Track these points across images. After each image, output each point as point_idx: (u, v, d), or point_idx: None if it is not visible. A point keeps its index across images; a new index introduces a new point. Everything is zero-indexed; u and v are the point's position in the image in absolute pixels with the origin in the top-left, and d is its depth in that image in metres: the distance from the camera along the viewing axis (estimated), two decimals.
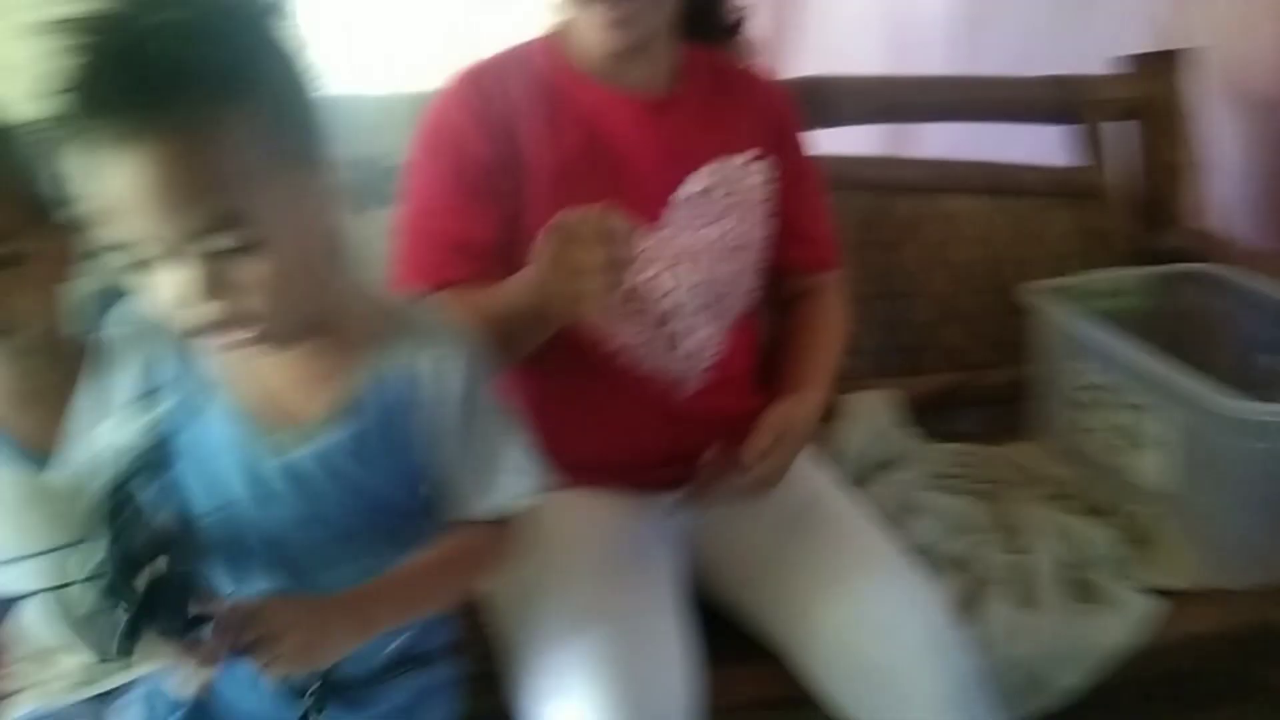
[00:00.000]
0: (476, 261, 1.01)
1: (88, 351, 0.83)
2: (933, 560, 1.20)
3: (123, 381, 0.80)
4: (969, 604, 1.15)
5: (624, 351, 1.06)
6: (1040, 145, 1.74)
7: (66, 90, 0.64)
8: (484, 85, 1.04)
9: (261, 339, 0.72)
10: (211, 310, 0.69)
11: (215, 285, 0.68)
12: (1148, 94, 1.73)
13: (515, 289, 0.93)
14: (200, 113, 0.64)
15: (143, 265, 0.68)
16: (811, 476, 1.15)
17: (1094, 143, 1.71)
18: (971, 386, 1.62)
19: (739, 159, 1.09)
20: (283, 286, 0.70)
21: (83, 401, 0.81)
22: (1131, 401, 1.30)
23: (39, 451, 0.90)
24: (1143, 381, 1.27)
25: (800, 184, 1.15)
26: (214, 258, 0.67)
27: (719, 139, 1.08)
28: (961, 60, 1.82)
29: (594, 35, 1.00)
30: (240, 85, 0.66)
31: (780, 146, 1.13)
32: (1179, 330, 1.51)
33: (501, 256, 1.00)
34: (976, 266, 1.65)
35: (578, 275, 0.83)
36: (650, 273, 1.04)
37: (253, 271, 0.68)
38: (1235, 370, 1.44)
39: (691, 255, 1.06)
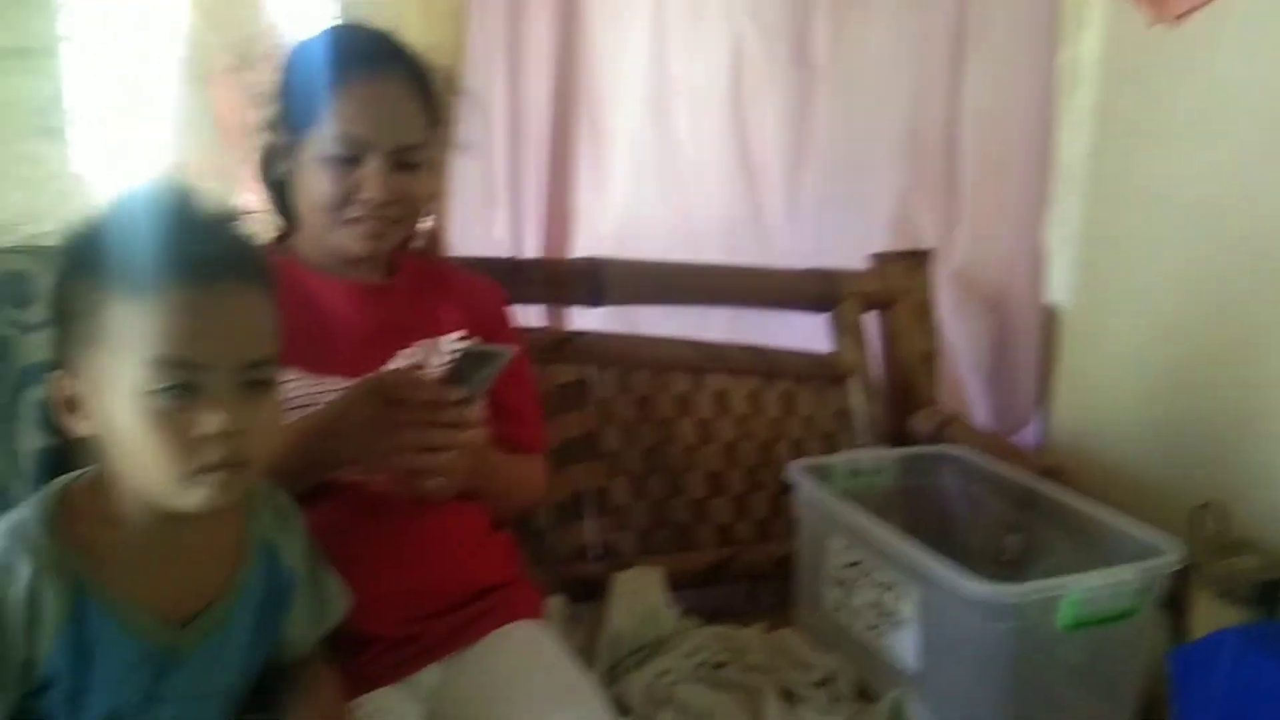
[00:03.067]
0: None
1: None
2: None
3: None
4: None
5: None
6: (802, 331, 1.84)
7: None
8: None
9: (243, 484, 0.83)
10: (232, 445, 0.80)
11: (240, 421, 0.80)
12: (896, 287, 1.88)
13: (305, 438, 1.02)
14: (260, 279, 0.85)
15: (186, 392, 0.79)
16: (557, 665, 1.15)
17: (850, 330, 1.83)
18: (739, 562, 1.64)
19: (446, 338, 1.21)
20: (277, 433, 0.87)
21: None
22: (883, 580, 1.34)
23: None
24: (890, 560, 1.32)
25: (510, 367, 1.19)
26: (249, 391, 0.81)
27: (427, 320, 1.23)
28: (736, 251, 1.94)
29: (348, 244, 1.16)
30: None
31: (489, 331, 1.25)
32: (927, 509, 1.60)
33: None
34: (745, 444, 1.71)
35: (395, 433, 0.97)
36: None
37: (268, 414, 0.84)
38: (981, 549, 1.53)
39: None
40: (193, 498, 0.81)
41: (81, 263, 0.81)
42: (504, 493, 1.26)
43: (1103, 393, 1.85)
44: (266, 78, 1.19)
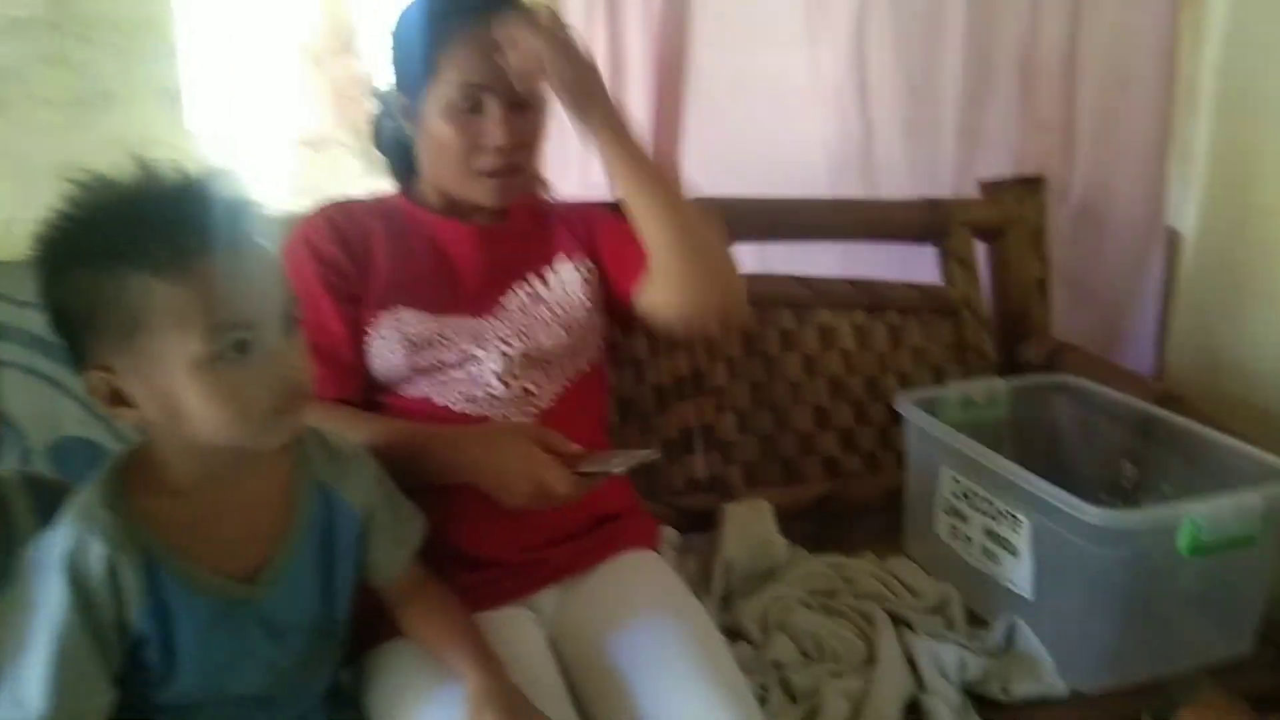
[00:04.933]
0: (343, 372, 1.18)
1: None
2: (784, 684, 1.23)
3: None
4: None
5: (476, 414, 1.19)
6: (911, 263, 1.82)
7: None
8: (333, 211, 1.24)
9: (306, 412, 0.92)
10: (292, 383, 0.88)
11: (293, 361, 0.89)
12: (1009, 215, 1.84)
13: (440, 445, 1.11)
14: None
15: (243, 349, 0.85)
16: (672, 593, 1.19)
17: (961, 260, 1.80)
18: (846, 494, 1.66)
19: (555, 268, 1.27)
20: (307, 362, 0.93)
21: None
22: (997, 509, 1.34)
23: None
24: (1004, 489, 1.32)
25: (618, 236, 1.25)
26: (288, 336, 0.89)
27: (540, 256, 1.28)
28: (845, 185, 1.92)
29: (481, 197, 1.22)
30: None
31: (591, 236, 1.30)
32: (1041, 439, 1.59)
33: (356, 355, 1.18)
34: (852, 378, 1.71)
35: (531, 471, 1.06)
36: (489, 350, 1.20)
37: (301, 350, 0.91)
38: (1097, 479, 1.51)
39: (520, 334, 1.22)
40: (277, 434, 0.89)
41: (93, 255, 0.83)
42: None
43: (1225, 320, 1.79)
44: (373, 55, 1.23)
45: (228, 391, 0.84)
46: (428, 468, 1.11)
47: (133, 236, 0.81)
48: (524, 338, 1.21)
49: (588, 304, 1.26)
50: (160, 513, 0.89)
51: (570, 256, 1.28)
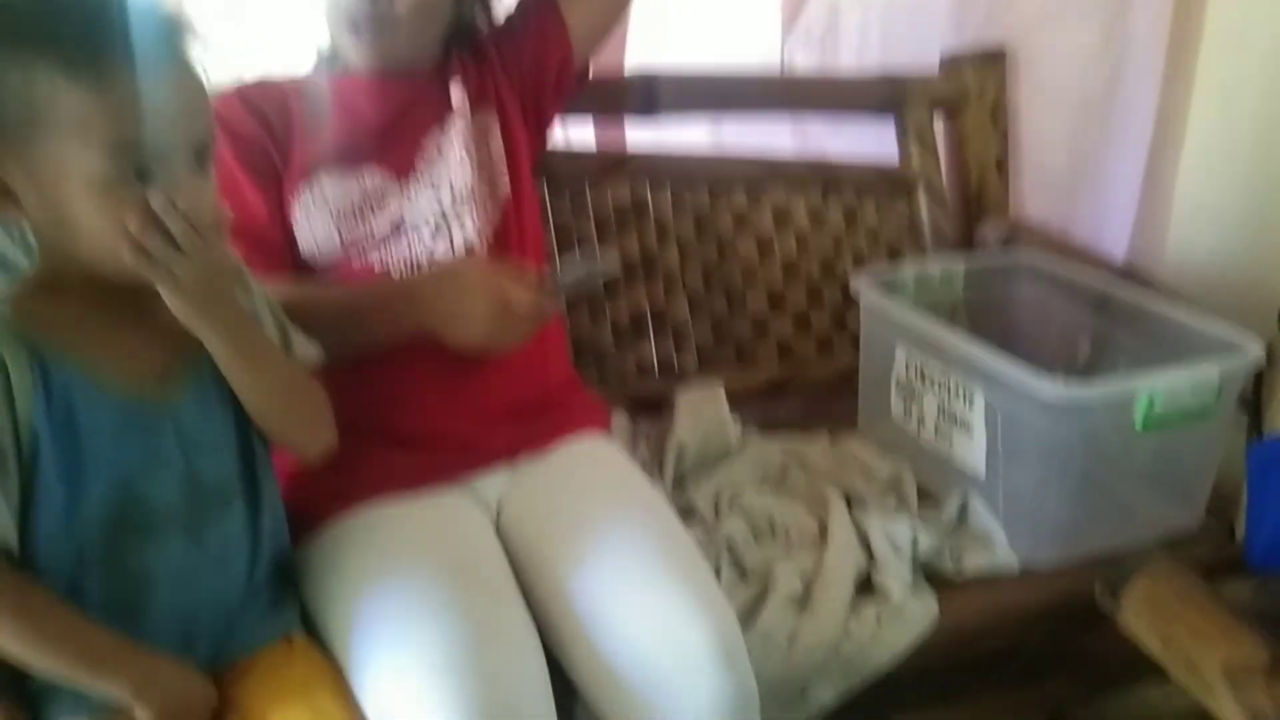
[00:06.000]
0: (270, 252, 1.12)
1: None
2: (734, 563, 1.21)
3: None
4: (749, 613, 1.13)
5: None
6: (868, 142, 1.77)
7: None
8: (249, 89, 1.18)
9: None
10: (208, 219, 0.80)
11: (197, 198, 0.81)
12: (967, 90, 1.78)
13: (395, 299, 1.09)
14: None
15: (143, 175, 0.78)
16: (623, 473, 1.17)
17: (918, 137, 1.75)
18: (800, 378, 1.64)
19: (466, 118, 1.21)
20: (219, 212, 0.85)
21: None
22: (953, 386, 1.32)
23: None
24: (959, 365, 1.30)
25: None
26: (198, 173, 0.82)
27: (443, 104, 1.21)
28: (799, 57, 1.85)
29: (356, 58, 1.17)
30: None
31: (498, 72, 1.26)
32: (997, 319, 1.56)
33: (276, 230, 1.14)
34: (806, 260, 1.68)
35: (496, 324, 1.05)
36: (413, 200, 1.17)
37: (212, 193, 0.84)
38: (1053, 358, 1.49)
39: (445, 179, 1.18)
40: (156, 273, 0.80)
41: (8, 40, 0.76)
42: None
43: (1189, 192, 1.75)
44: None
45: (116, 219, 0.77)
46: (379, 322, 1.08)
47: (51, 26, 0.75)
48: (447, 186, 1.17)
49: (495, 138, 1.23)
50: (59, 317, 0.83)
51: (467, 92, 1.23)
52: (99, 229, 0.79)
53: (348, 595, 0.98)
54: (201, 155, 0.83)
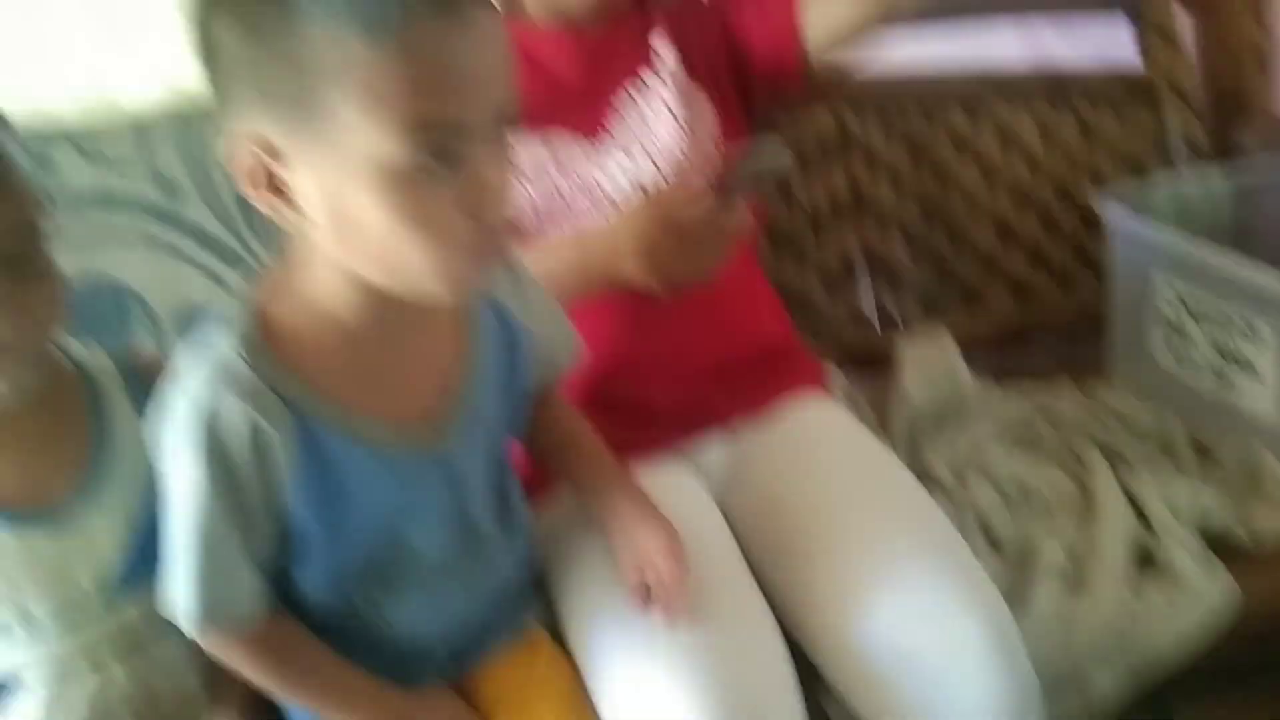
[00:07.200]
0: None
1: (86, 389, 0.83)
2: (989, 538, 1.10)
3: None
4: (1015, 593, 1.02)
5: None
6: (1103, 43, 1.61)
7: None
8: None
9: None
10: (499, 218, 0.68)
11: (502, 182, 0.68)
12: None
13: (575, 257, 1.00)
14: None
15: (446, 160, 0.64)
16: (858, 440, 1.07)
17: (1161, 32, 1.59)
18: (1038, 319, 1.54)
19: (661, 72, 1.11)
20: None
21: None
22: (1231, 321, 1.18)
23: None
24: (1244, 296, 1.15)
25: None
26: (498, 147, 0.67)
27: (641, 60, 1.11)
28: None
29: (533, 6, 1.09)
30: None
31: (703, 38, 1.13)
32: (1275, 237, 1.37)
33: None
34: (1039, 184, 1.55)
35: (673, 257, 0.95)
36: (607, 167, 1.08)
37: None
38: None
39: (645, 146, 1.09)
40: (461, 288, 0.69)
41: None
42: None
43: None
44: None
45: (419, 216, 0.64)
46: (568, 284, 0.99)
47: None
48: (642, 146, 1.08)
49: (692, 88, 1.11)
50: (314, 357, 0.72)
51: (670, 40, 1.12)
52: (388, 232, 0.65)
53: (573, 586, 0.93)
54: (502, 128, 0.67)
